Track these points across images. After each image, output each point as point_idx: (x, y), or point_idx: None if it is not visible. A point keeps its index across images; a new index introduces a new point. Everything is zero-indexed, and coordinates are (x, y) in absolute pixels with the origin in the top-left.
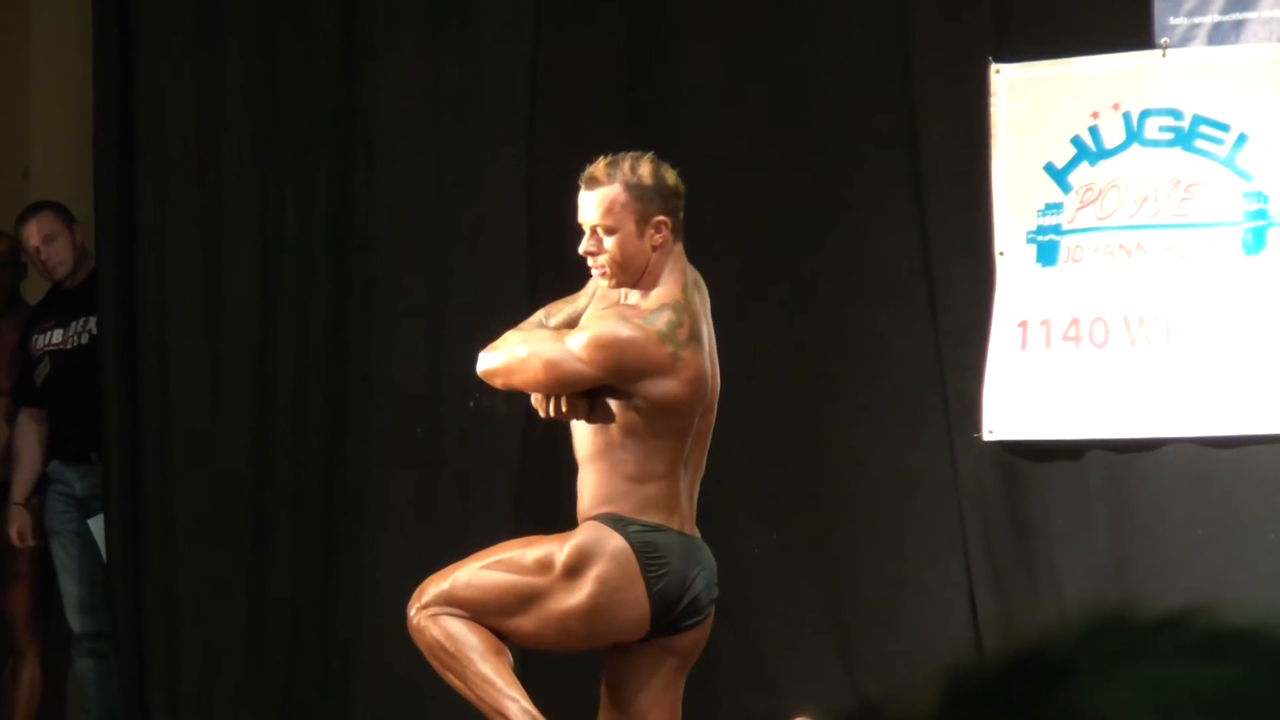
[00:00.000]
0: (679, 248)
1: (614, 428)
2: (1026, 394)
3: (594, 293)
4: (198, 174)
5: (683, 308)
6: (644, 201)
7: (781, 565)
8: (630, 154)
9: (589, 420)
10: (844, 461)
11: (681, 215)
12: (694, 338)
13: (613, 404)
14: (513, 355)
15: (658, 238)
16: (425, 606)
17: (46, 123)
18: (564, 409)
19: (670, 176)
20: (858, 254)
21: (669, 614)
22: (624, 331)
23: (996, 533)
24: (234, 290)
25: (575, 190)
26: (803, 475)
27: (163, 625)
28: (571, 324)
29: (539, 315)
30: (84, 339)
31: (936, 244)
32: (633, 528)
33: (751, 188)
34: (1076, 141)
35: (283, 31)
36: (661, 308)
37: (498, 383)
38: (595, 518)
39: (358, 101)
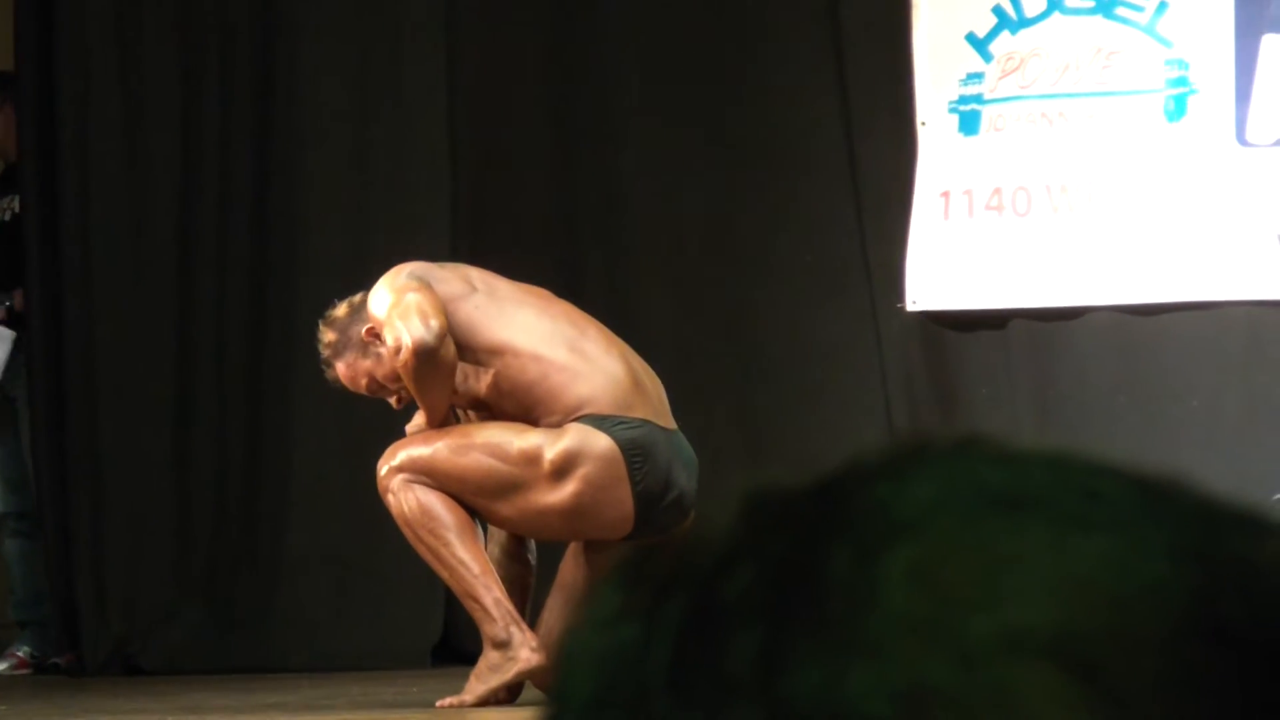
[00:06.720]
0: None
1: (486, 371)
2: (949, 264)
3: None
4: (118, 55)
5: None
6: (351, 347)
7: (708, 441)
8: (318, 333)
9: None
10: (767, 334)
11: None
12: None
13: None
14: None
15: (381, 345)
16: (400, 470)
17: None
18: None
19: (342, 308)
20: (779, 126)
21: (651, 511)
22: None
23: (920, 402)
24: (155, 168)
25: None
26: (726, 349)
27: (88, 505)
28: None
29: None
30: (6, 216)
31: (858, 115)
32: (617, 426)
33: (671, 60)
34: (998, 10)
35: None
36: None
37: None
38: (578, 419)
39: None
